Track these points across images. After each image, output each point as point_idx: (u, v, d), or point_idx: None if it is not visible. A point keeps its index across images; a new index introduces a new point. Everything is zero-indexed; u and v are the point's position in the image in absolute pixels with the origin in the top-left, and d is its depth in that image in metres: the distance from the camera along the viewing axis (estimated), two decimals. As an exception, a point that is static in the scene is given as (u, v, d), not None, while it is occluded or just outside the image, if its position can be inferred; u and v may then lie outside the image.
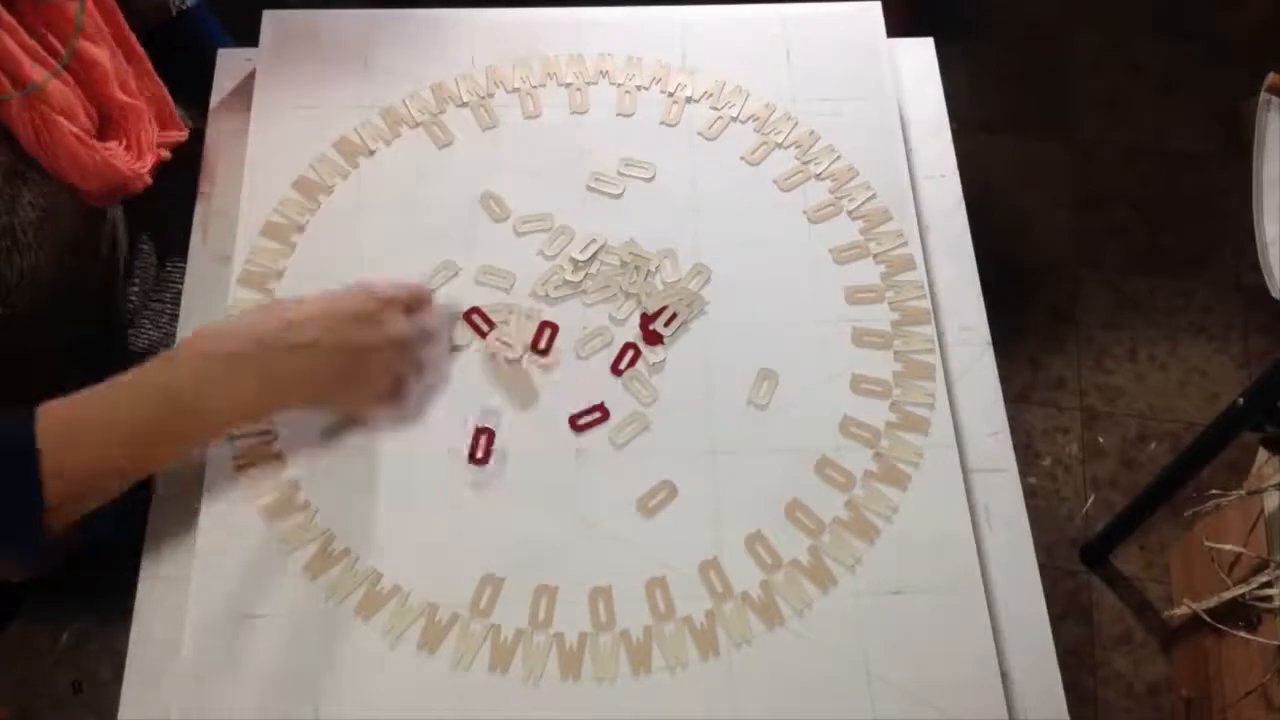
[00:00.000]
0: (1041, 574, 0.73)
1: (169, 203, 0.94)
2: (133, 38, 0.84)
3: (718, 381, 0.80)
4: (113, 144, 0.80)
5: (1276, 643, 1.16)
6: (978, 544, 0.76)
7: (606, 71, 0.93)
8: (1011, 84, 2.03)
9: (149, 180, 0.84)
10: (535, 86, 0.93)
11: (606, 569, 0.74)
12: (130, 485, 0.69)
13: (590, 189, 0.88)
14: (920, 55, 1.00)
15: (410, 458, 0.77)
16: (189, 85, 0.98)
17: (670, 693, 0.71)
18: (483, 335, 0.82)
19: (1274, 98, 1.15)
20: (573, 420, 0.79)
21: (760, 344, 0.82)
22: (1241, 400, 1.17)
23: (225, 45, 1.03)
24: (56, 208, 0.76)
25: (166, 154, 0.86)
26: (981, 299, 0.86)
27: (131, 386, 0.67)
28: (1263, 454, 1.28)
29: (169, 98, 0.88)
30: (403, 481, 0.76)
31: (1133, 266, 1.83)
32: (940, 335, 0.84)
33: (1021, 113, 2.00)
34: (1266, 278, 1.13)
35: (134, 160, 0.81)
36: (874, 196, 0.88)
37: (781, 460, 0.78)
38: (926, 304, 0.83)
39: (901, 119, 0.93)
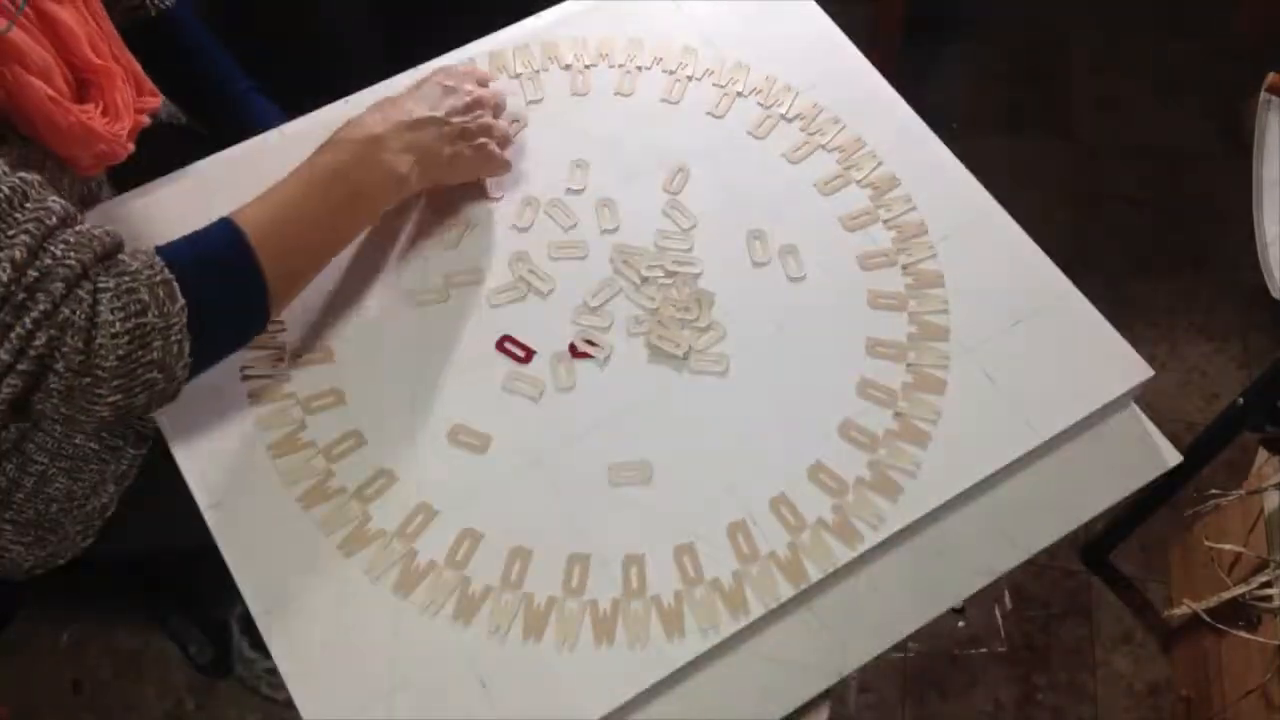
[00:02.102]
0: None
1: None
2: (100, 8, 0.84)
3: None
4: (89, 107, 0.80)
5: (1276, 643, 1.16)
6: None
7: (757, 90, 0.97)
8: (1011, 84, 2.03)
9: (130, 147, 0.84)
10: (691, 77, 0.97)
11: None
12: (325, 263, 0.82)
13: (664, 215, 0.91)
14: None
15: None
16: (173, 85, 0.98)
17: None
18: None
19: (1274, 98, 1.15)
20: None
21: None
22: (1241, 400, 1.16)
23: (208, 45, 1.02)
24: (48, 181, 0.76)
25: (146, 120, 0.86)
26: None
27: (306, 177, 0.78)
28: (1263, 454, 1.28)
29: (139, 67, 0.88)
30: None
31: (1133, 266, 1.82)
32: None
33: (1021, 113, 1.99)
34: (1266, 278, 1.13)
35: (111, 123, 0.82)
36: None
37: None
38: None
39: None
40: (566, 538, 0.76)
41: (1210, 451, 1.26)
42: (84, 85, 0.81)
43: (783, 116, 0.94)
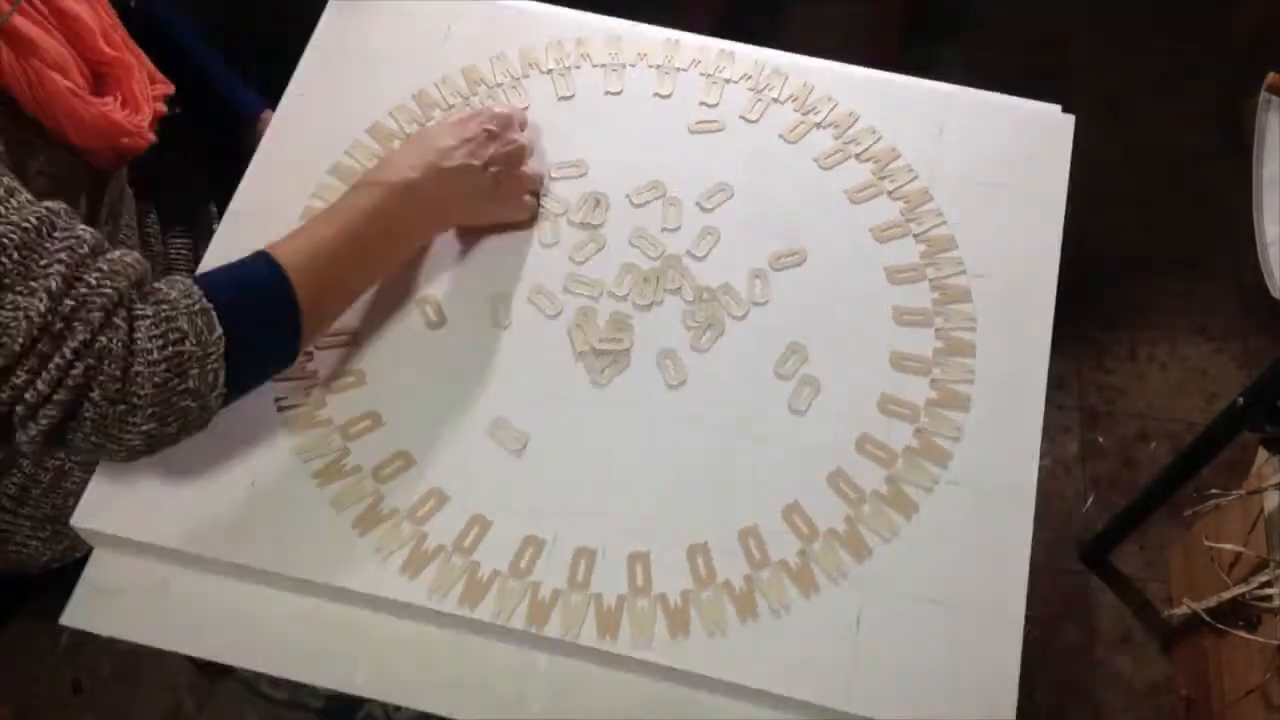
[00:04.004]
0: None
1: (165, 173, 0.94)
2: (107, 1, 0.84)
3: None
4: (108, 99, 0.80)
5: (1276, 642, 1.16)
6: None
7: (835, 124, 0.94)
8: (1011, 84, 2.02)
9: (152, 137, 0.85)
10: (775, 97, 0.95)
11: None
12: (355, 300, 0.81)
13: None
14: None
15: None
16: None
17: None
18: None
19: (1274, 97, 1.15)
20: None
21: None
22: (1241, 400, 1.16)
23: (187, 35, 1.02)
24: (66, 177, 0.77)
25: (163, 108, 0.87)
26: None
27: (342, 217, 0.77)
28: (1263, 454, 1.28)
29: (145, 57, 0.88)
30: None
31: (1133, 266, 1.83)
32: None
33: (1021, 113, 1.99)
34: (1266, 278, 1.13)
35: (131, 114, 0.82)
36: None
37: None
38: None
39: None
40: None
41: (1210, 451, 1.26)
42: (100, 79, 0.81)
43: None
